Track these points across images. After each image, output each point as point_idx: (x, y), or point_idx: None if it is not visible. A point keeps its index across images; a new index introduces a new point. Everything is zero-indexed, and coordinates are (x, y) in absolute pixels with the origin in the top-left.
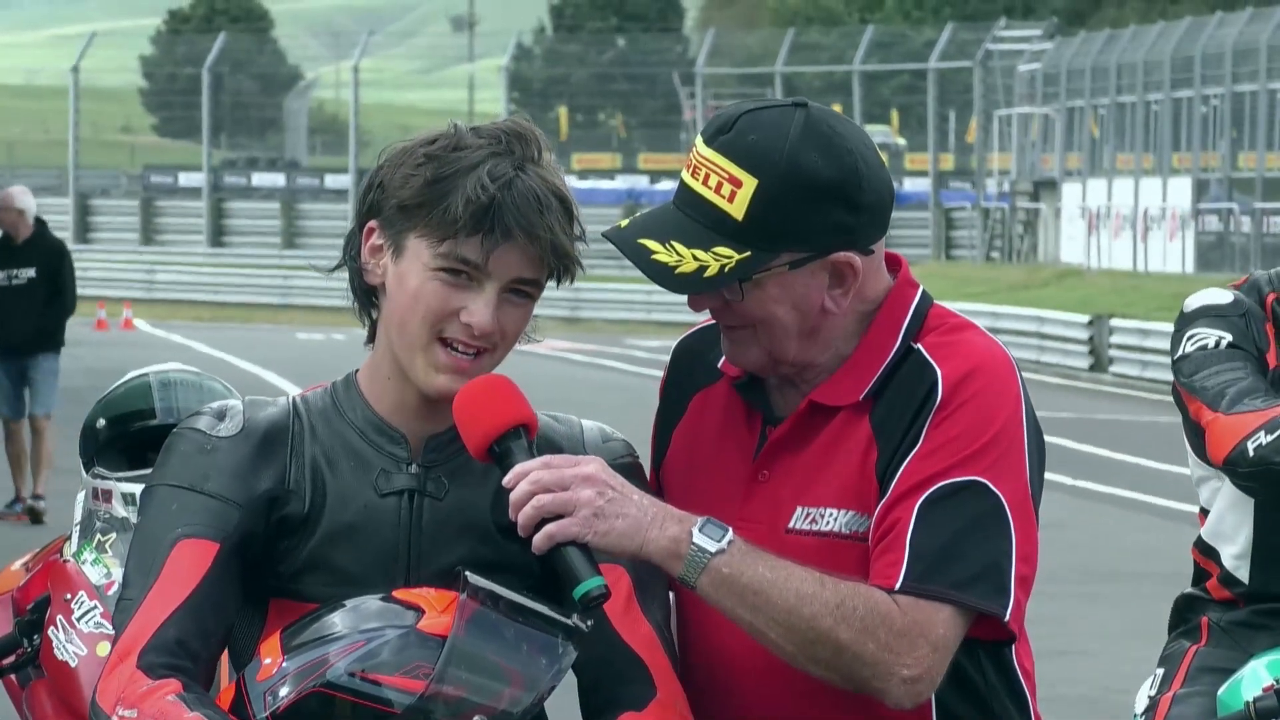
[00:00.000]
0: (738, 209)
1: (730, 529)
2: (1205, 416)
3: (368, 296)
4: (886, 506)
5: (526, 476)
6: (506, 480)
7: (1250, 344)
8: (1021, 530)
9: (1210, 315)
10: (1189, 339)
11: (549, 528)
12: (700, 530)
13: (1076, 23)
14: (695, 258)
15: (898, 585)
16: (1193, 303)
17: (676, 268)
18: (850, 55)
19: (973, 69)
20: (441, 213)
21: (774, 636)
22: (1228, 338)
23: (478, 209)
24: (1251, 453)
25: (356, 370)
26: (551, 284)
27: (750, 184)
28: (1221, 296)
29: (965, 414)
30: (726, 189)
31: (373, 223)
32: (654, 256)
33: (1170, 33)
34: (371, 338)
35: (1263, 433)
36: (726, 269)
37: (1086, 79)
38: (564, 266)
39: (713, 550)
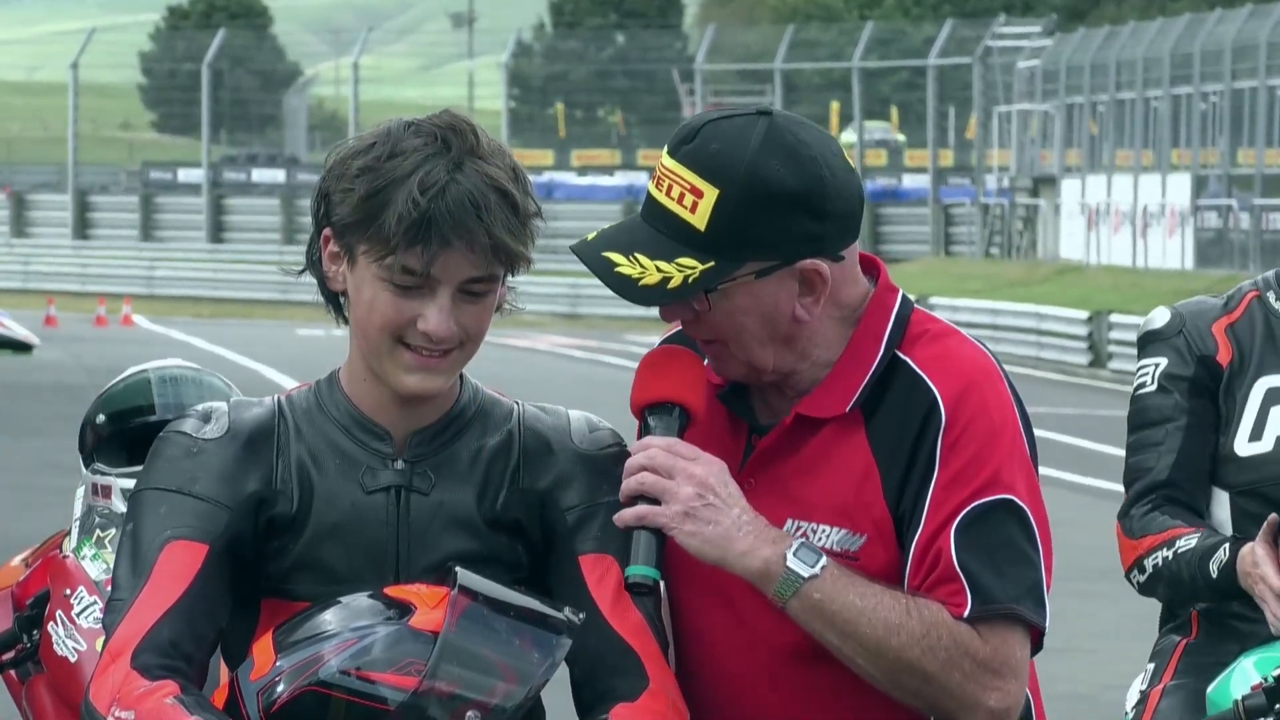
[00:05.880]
0: (700, 219)
1: (823, 554)
2: (1121, 506)
3: (335, 299)
4: (925, 540)
5: (646, 450)
6: (634, 446)
7: (1187, 364)
8: (1043, 537)
9: (1153, 341)
10: (1137, 373)
11: (640, 508)
12: (794, 554)
13: (1076, 19)
14: (659, 269)
15: (968, 613)
16: (1141, 327)
17: (640, 280)
18: (850, 52)
19: (972, 65)
20: (377, 229)
21: (861, 663)
22: (1163, 365)
23: (410, 224)
24: (1135, 582)
25: (338, 368)
26: (551, 281)
27: (711, 194)
28: (1160, 319)
29: (974, 434)
30: (689, 200)
31: (327, 231)
32: (617, 269)
33: (1169, 29)
34: None
35: (1136, 569)
36: (690, 280)
37: (1086, 75)
38: (511, 263)
39: (805, 575)
